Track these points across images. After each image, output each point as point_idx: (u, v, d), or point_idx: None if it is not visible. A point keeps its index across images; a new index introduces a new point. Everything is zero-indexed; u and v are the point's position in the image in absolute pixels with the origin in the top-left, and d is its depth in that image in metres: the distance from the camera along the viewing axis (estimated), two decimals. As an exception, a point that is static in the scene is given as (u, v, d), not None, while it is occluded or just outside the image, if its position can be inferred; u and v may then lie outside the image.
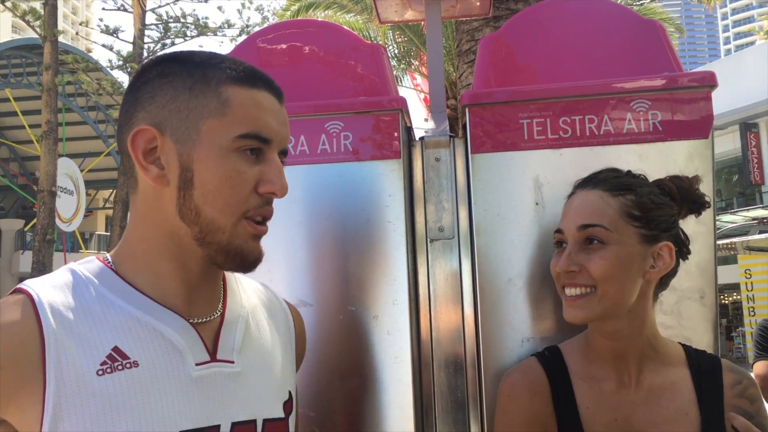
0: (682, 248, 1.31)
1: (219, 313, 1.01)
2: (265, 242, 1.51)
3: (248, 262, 0.96)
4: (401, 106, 1.53)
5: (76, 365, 0.85)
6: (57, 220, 16.70)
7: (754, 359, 3.30)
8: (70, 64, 17.94)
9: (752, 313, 12.09)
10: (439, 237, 1.58)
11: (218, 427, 0.92)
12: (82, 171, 22.98)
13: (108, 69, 19.74)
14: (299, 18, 11.53)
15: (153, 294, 0.95)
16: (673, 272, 1.30)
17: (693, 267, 1.40)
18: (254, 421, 0.97)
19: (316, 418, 1.45)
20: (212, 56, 0.98)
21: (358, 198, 1.50)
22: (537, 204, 1.46)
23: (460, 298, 1.56)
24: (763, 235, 12.98)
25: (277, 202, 1.52)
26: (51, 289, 0.90)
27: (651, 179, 1.41)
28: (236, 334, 1.01)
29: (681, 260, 1.31)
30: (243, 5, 19.71)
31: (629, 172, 1.31)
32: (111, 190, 24.67)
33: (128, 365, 0.88)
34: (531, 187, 1.46)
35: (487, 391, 1.43)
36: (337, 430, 1.45)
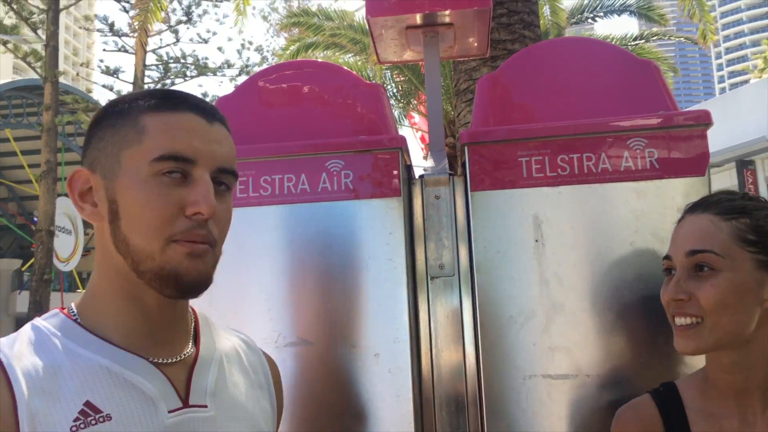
0: None
1: (189, 354, 0.99)
2: (266, 279, 1.52)
3: (185, 284, 0.91)
4: (401, 145, 1.55)
5: (50, 425, 0.83)
6: (55, 260, 16.64)
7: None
8: (70, 104, 18.08)
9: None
10: (439, 274, 1.58)
11: None
12: (80, 210, 22.95)
13: (108, 109, 19.88)
14: (299, 58, 11.69)
15: (117, 337, 0.93)
16: None
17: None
18: None
19: (317, 458, 1.43)
20: (139, 94, 0.98)
21: (359, 236, 1.51)
22: (537, 241, 1.47)
23: (461, 336, 1.56)
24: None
25: (278, 240, 1.54)
26: (19, 349, 0.88)
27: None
28: (209, 377, 0.98)
29: None
30: (243, 46, 19.99)
31: (746, 194, 1.23)
32: (109, 230, 24.57)
33: (101, 419, 0.86)
34: (531, 224, 1.47)
35: (489, 430, 1.42)
36: (337, 471, 1.43)
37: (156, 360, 0.93)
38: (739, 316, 1.15)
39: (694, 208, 1.24)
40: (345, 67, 1.81)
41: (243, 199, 1.54)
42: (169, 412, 0.90)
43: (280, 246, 1.52)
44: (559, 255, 1.45)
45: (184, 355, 0.97)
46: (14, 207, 26.95)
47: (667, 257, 1.23)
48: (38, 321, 0.94)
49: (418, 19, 1.92)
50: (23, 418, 0.82)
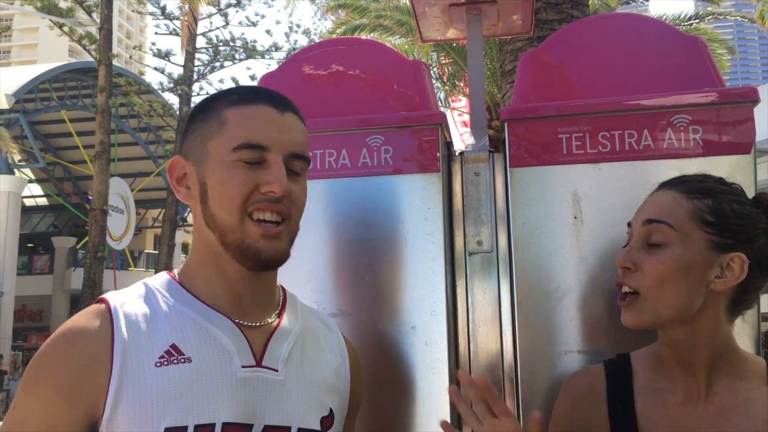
0: (763, 264, 1.19)
1: (271, 323, 1.12)
2: (307, 252, 1.55)
3: (262, 259, 1.06)
4: (441, 121, 1.56)
5: (139, 358, 1.00)
6: (108, 238, 17.09)
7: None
8: (123, 86, 18.49)
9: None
10: (477, 251, 1.59)
11: (251, 426, 1.02)
12: (132, 191, 23.55)
13: (159, 91, 20.31)
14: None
15: (207, 299, 1.08)
16: (753, 288, 1.21)
17: (735, 283, 1.38)
18: (288, 428, 1.05)
19: (354, 427, 1.46)
20: (223, 91, 1.14)
21: (398, 210, 1.53)
22: (575, 218, 1.46)
23: (498, 313, 1.56)
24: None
25: (318, 214, 1.57)
26: (125, 298, 1.07)
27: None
28: (285, 346, 1.10)
29: (763, 277, 1.20)
30: (290, 29, 20.10)
31: (721, 179, 1.25)
32: (160, 210, 25.23)
33: (182, 360, 1.00)
34: (570, 201, 1.47)
35: (524, 404, 1.43)
36: (374, 440, 1.46)
37: (238, 321, 1.07)
38: (680, 294, 1.17)
39: (664, 185, 1.26)
40: (387, 45, 1.82)
41: (285, 174, 1.57)
42: (243, 367, 1.03)
43: (321, 219, 1.55)
44: (598, 232, 1.45)
45: (265, 322, 1.11)
46: (69, 186, 27.73)
47: (629, 224, 1.27)
48: (148, 280, 1.13)
49: (461, -4, 1.91)
50: (117, 350, 1.00)
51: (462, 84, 12.14)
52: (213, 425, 0.98)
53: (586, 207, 1.46)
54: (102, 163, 15.33)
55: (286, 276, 1.54)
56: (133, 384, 0.98)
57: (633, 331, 1.40)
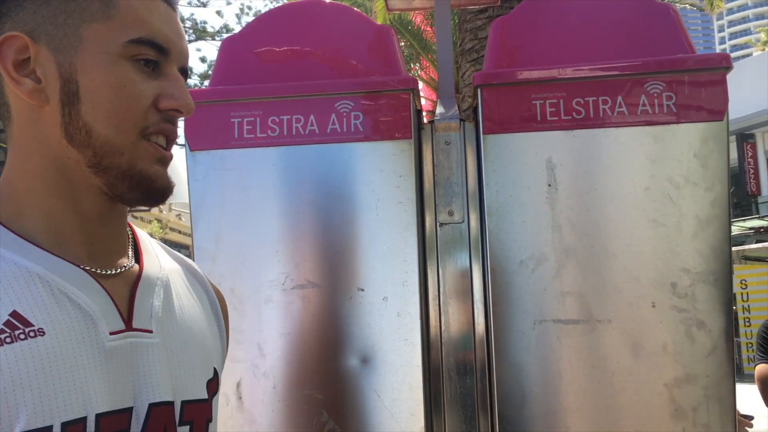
0: None
1: (130, 269, 0.85)
2: (275, 221, 1.50)
3: (155, 189, 0.81)
4: (413, 86, 1.51)
5: None
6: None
7: (756, 362, 3.29)
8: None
9: (748, 324, 12.12)
10: (448, 221, 1.56)
11: (131, 409, 0.78)
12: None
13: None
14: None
15: (46, 242, 0.78)
16: None
17: (707, 249, 1.38)
18: (172, 403, 0.82)
19: (324, 401, 1.42)
20: None
21: (369, 178, 1.48)
22: (549, 185, 1.44)
23: (469, 283, 1.54)
24: (759, 245, 13.01)
25: (286, 181, 1.51)
26: None
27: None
28: (154, 299, 0.84)
29: None
30: (241, 11, 19.73)
31: None
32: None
33: (32, 333, 0.72)
34: (544, 168, 1.44)
35: (497, 375, 1.41)
36: (345, 413, 1.42)
37: (92, 270, 0.79)
38: None
39: None
40: (355, 8, 1.76)
41: (250, 140, 1.51)
42: (111, 333, 0.77)
43: (288, 188, 1.50)
44: (572, 199, 1.43)
45: (124, 268, 0.83)
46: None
47: None
48: None
49: (429, -38, 1.87)
50: None
51: (417, 67, 12.11)
52: (84, 419, 0.72)
53: (561, 174, 1.44)
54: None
55: (252, 247, 1.49)
56: None
57: (608, 300, 1.40)
